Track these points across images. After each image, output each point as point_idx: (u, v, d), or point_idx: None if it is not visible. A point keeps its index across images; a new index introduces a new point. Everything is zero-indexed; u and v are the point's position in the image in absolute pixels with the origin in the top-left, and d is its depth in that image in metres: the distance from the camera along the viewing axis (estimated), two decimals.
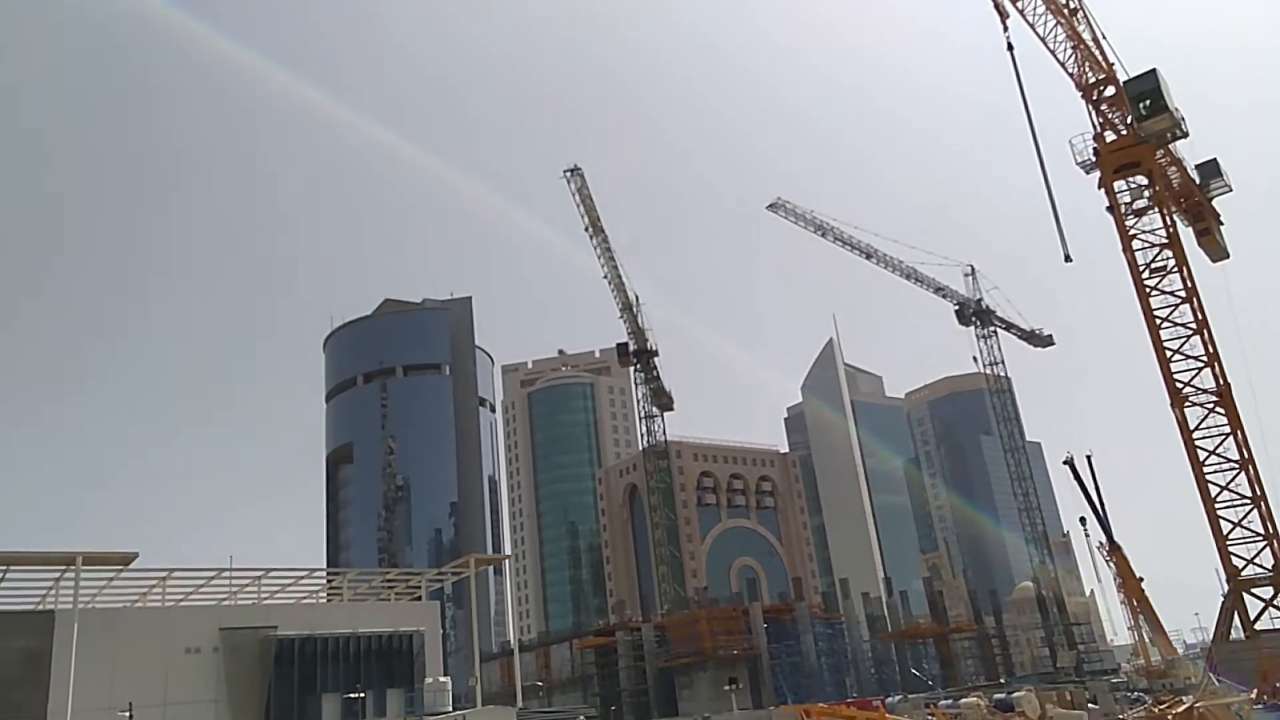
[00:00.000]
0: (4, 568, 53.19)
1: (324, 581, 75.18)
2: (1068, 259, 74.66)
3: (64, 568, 54.08)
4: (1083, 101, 75.49)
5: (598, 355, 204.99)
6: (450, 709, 51.03)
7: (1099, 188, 74.47)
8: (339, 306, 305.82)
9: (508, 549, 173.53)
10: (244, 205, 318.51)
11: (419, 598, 74.16)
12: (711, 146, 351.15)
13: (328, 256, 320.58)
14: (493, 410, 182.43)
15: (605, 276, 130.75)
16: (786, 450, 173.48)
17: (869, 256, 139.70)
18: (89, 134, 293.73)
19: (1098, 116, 74.85)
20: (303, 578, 67.49)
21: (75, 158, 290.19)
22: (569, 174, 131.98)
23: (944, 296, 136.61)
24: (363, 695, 58.61)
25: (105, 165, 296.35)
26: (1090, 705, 62.30)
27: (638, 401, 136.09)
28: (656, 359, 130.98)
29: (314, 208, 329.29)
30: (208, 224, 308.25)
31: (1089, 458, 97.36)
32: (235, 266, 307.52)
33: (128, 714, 48.46)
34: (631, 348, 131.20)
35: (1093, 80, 74.68)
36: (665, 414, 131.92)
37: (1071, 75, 75.30)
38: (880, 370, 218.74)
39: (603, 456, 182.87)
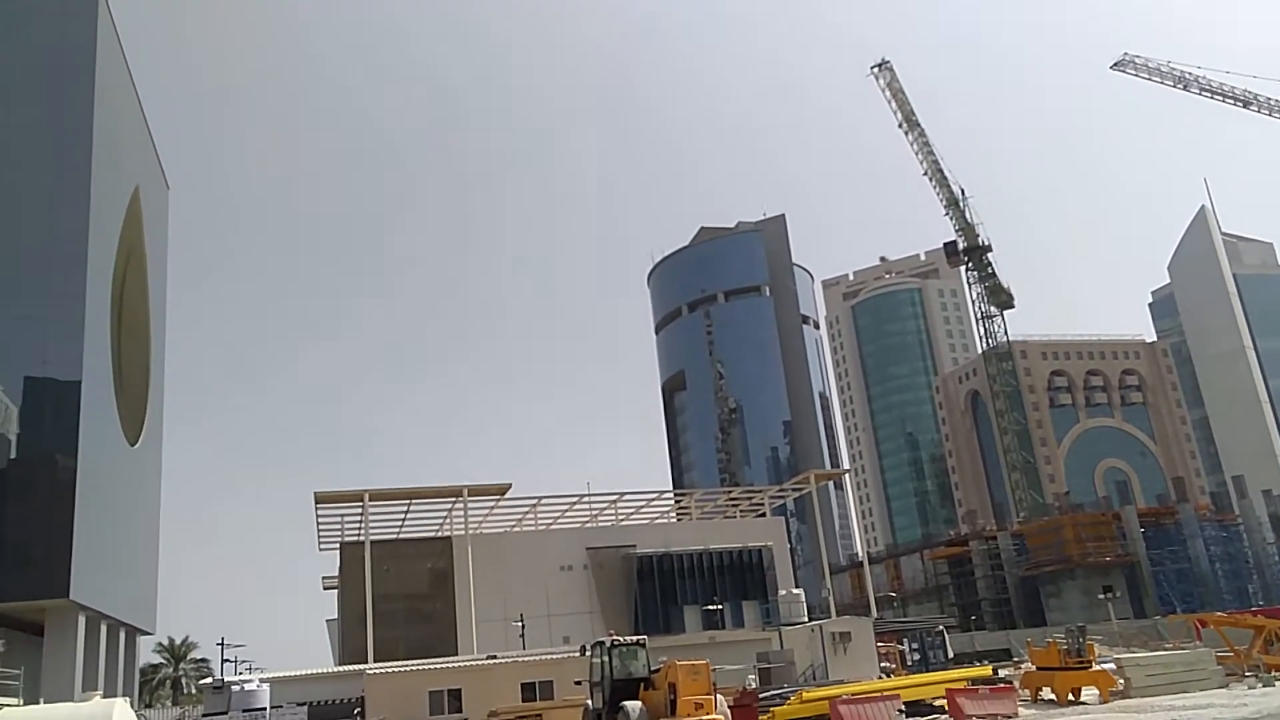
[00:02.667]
0: (408, 501, 61.41)
1: (673, 502, 79.08)
2: None
3: (454, 499, 61.37)
4: None
5: (923, 258, 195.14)
6: (805, 619, 51.70)
7: None
8: (658, 241, 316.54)
9: (845, 464, 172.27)
10: (567, 170, 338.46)
11: (763, 514, 75.82)
12: (1034, 7, 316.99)
13: (642, 195, 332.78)
14: (817, 327, 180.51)
15: (925, 173, 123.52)
16: (1154, 339, 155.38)
17: (1247, 105, 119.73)
18: (431, 120, 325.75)
19: None
20: (653, 499, 71.50)
21: (419, 141, 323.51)
22: (876, 69, 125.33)
23: None
24: (721, 607, 61.22)
25: (445, 144, 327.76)
26: None
27: (972, 302, 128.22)
28: (990, 254, 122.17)
29: (623, 154, 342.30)
30: (539, 195, 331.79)
31: None
32: (564, 224, 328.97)
33: (520, 623, 54.20)
34: (961, 246, 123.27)
35: None
36: (1005, 313, 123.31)
37: None
38: (1271, 236, 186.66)
39: (938, 364, 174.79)
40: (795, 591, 59.70)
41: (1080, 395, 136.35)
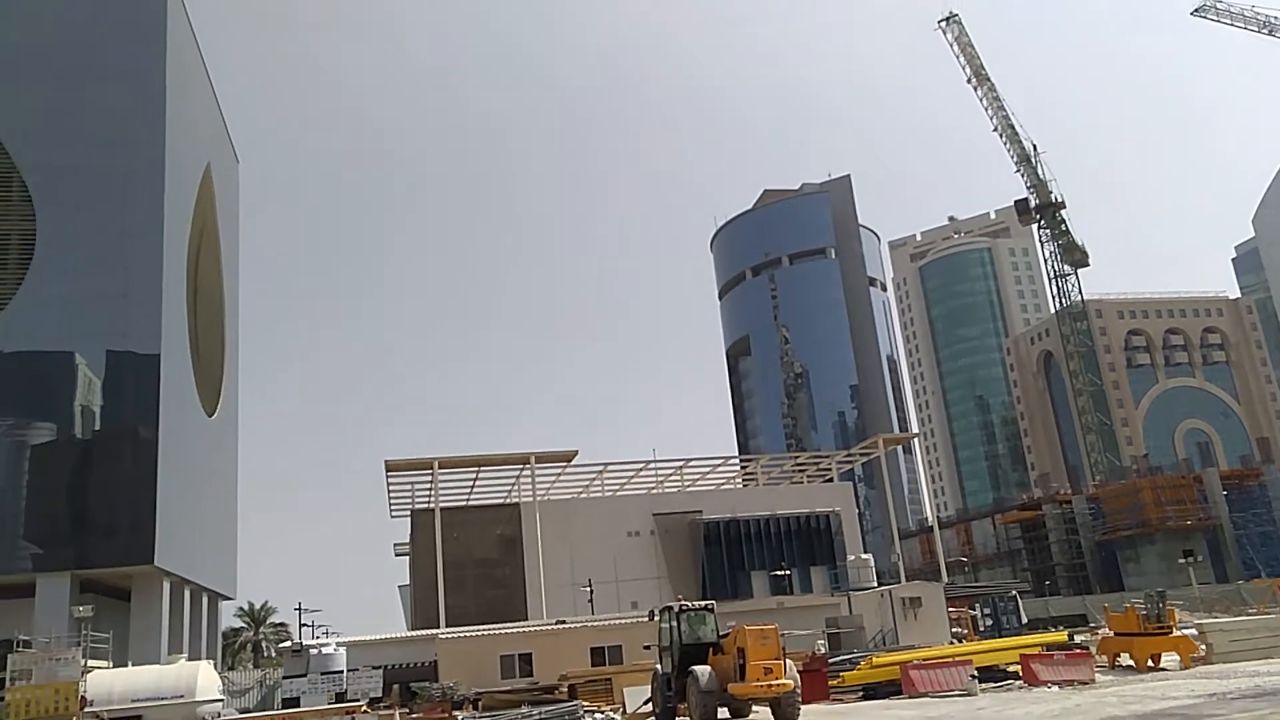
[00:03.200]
0: (476, 469, 62.11)
1: (739, 467, 78.75)
2: None
3: (521, 466, 61.89)
4: None
5: (993, 217, 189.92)
6: (874, 584, 51.13)
7: None
8: (721, 205, 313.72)
9: (914, 427, 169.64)
10: (630, 134, 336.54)
11: (830, 479, 75.05)
12: None
13: (705, 159, 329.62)
14: (884, 289, 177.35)
15: (995, 129, 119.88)
16: (1237, 295, 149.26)
17: None
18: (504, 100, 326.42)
19: None
20: (719, 465, 71.26)
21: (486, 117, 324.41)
22: (944, 23, 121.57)
23: None
24: (788, 572, 60.90)
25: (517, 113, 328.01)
26: None
27: (1045, 261, 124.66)
28: (1063, 211, 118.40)
29: (685, 118, 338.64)
30: (602, 161, 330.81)
31: None
32: (627, 189, 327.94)
33: (588, 589, 54.61)
34: (1032, 203, 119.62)
35: None
36: (1079, 271, 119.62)
37: None
38: None
39: (1009, 325, 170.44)
40: (864, 556, 59.10)
41: (1159, 354, 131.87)
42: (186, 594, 66.37)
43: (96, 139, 63.70)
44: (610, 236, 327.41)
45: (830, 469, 76.03)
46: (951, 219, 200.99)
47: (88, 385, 61.17)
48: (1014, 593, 52.84)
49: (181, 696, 37.41)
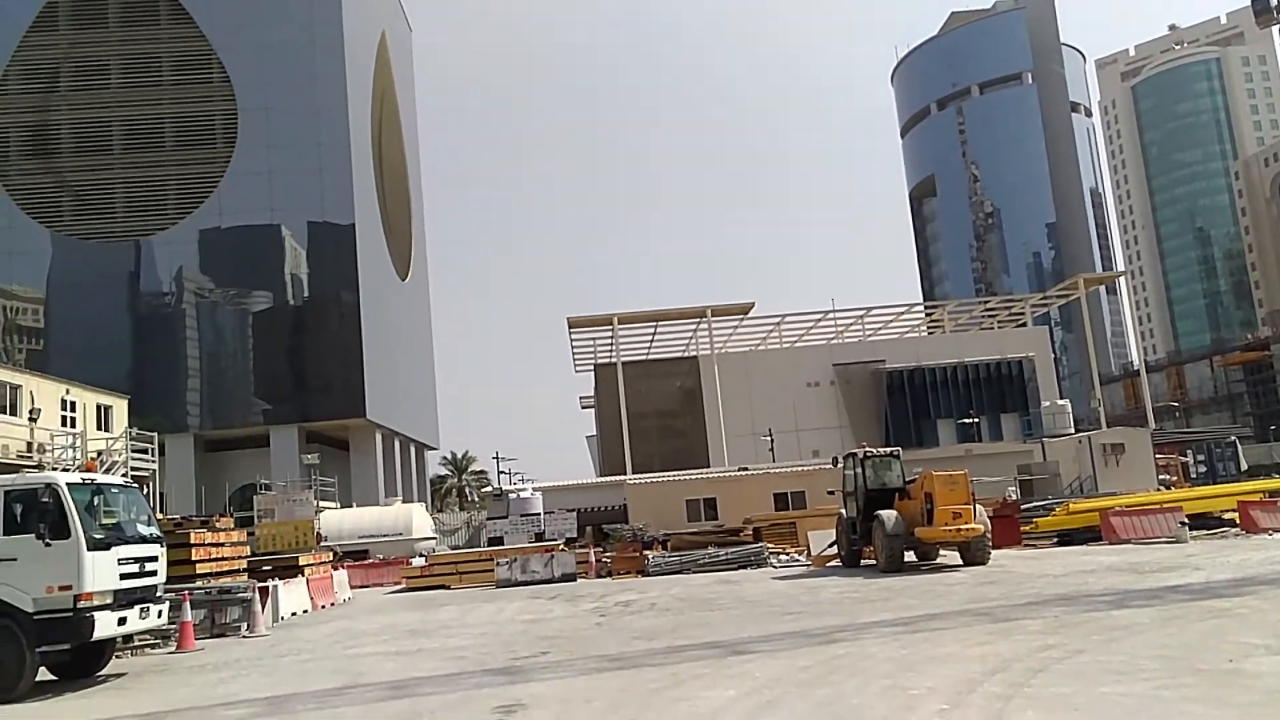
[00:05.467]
0: (655, 323, 62.99)
1: (923, 315, 76.06)
2: None
3: (699, 320, 62.24)
4: None
5: (1223, 21, 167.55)
6: (1072, 431, 48.88)
7: None
8: (903, 34, 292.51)
9: (1119, 266, 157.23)
10: None
11: (1023, 324, 71.37)
12: None
13: None
14: (1088, 115, 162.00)
15: None
16: None
17: None
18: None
19: None
20: (902, 313, 69.00)
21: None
22: None
23: None
24: (976, 420, 59.16)
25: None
26: None
27: None
28: None
29: None
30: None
31: None
32: (798, 24, 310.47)
33: (768, 438, 55.17)
34: (1274, 0, 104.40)
35: None
36: None
37: None
38: None
39: (1239, 146, 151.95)
40: (1060, 403, 56.41)
41: None
42: (396, 444, 72.14)
43: (277, 18, 66.07)
44: (781, 77, 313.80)
45: (1024, 313, 72.13)
46: (1173, 28, 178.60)
47: (295, 255, 65.75)
48: (1233, 438, 49.29)
49: (401, 534, 41.22)
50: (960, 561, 21.79)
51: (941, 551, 23.24)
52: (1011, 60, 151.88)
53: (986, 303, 78.20)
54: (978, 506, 21.66)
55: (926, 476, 21.88)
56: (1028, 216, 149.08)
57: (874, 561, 22.52)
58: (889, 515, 21.62)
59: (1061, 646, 10.25)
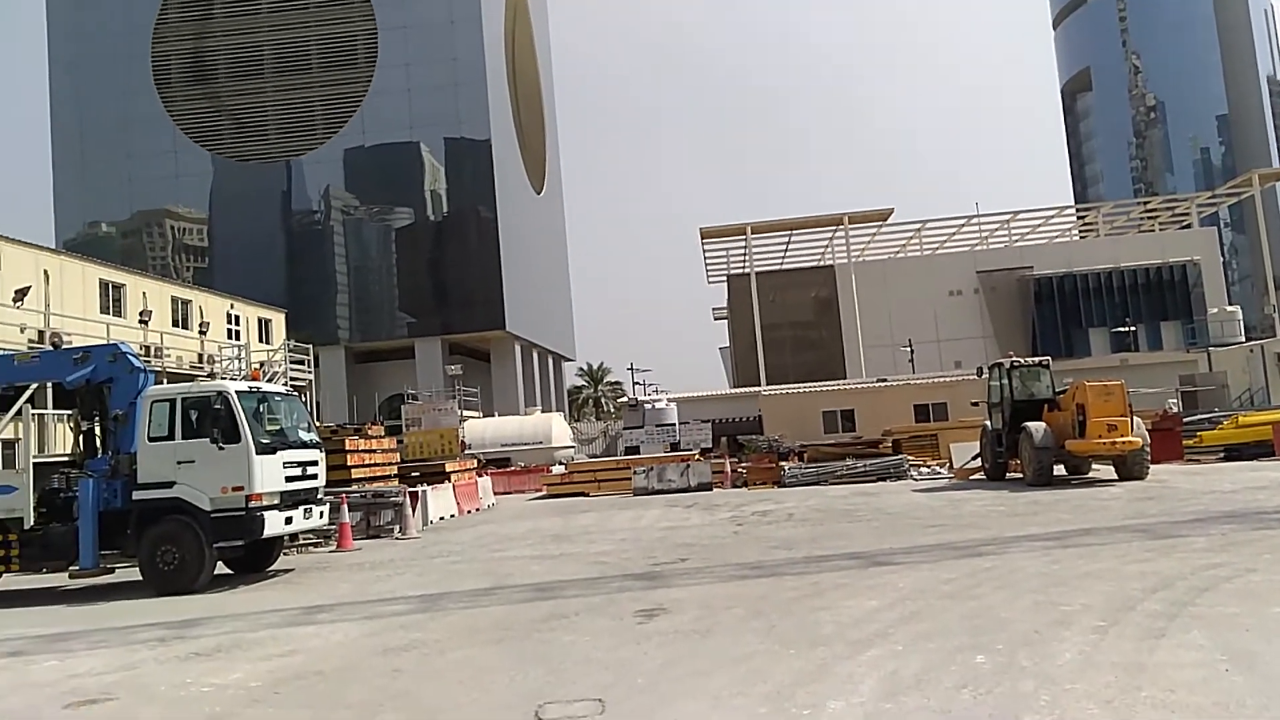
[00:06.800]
0: (789, 232, 61.74)
1: (1075, 218, 71.68)
2: None
3: (834, 228, 60.63)
4: None
5: None
6: (1242, 339, 45.55)
7: None
8: None
9: None
10: None
11: (1188, 225, 66.33)
12: None
13: None
14: None
15: None
16: None
17: None
18: None
19: None
20: (1052, 217, 65.19)
21: None
22: None
23: None
24: (1133, 328, 55.89)
25: None
26: None
27: None
28: None
29: None
30: None
31: None
32: None
33: (908, 348, 53.74)
34: None
35: None
36: None
37: None
38: None
39: None
40: (1229, 309, 52.63)
41: None
42: (535, 355, 73.98)
43: None
44: None
45: (1189, 214, 66.93)
46: None
47: (434, 172, 67.22)
48: None
49: (541, 442, 42.54)
50: (1115, 476, 20.80)
51: (1094, 466, 22.25)
52: None
53: (1147, 203, 73.01)
54: (1135, 418, 20.52)
55: (1079, 387, 20.85)
56: (1195, 109, 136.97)
57: (1020, 475, 21.78)
58: (1037, 427, 20.76)
59: (1229, 565, 9.65)
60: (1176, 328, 57.64)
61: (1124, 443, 19.83)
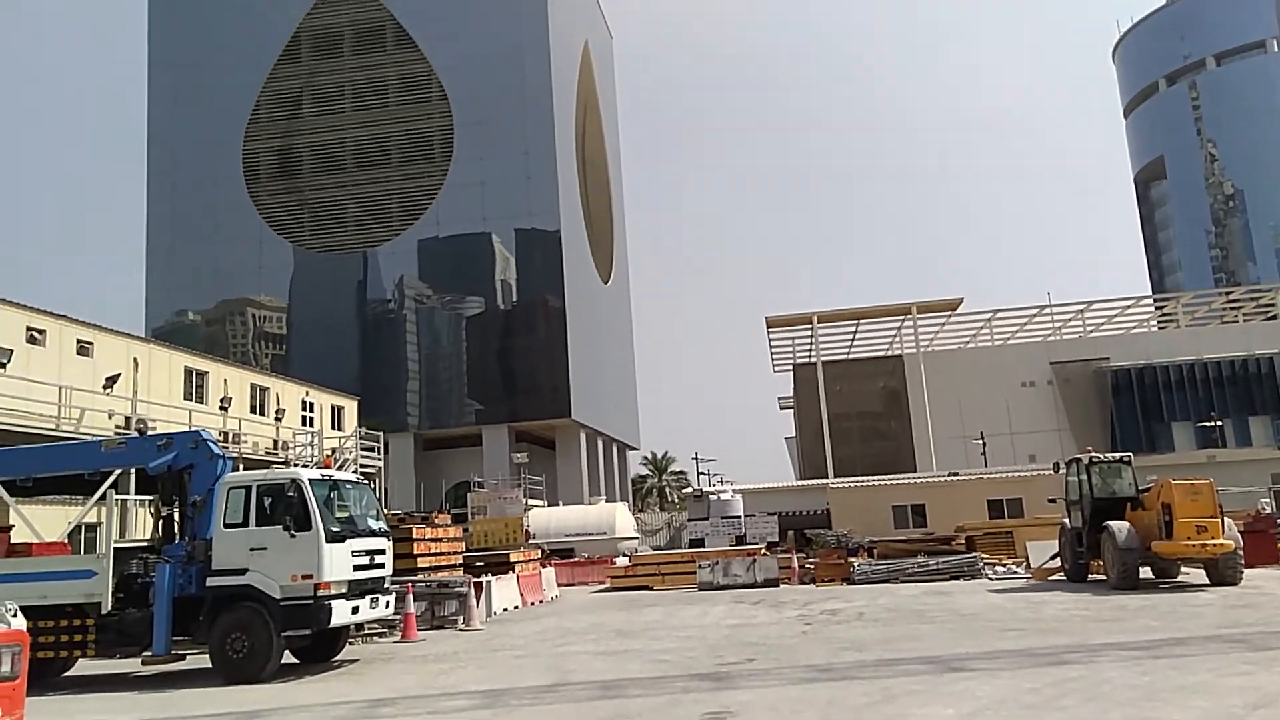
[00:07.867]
0: (856, 321, 61.41)
1: (1152, 309, 70.05)
2: None
3: (903, 317, 60.15)
4: None
5: None
6: None
7: None
8: (1124, 7, 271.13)
9: None
10: None
11: (1273, 316, 64.30)
12: None
13: None
14: None
15: None
16: None
17: None
18: None
19: None
20: (1129, 307, 63.82)
21: None
22: None
23: None
24: (1219, 423, 53.82)
25: None
26: None
27: None
28: None
29: None
30: None
31: None
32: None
33: (981, 441, 52.48)
34: None
35: None
36: None
37: None
38: None
39: None
40: None
41: None
42: (600, 443, 74.08)
43: (492, 33, 69.51)
44: (986, 54, 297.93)
45: (1275, 303, 64.96)
46: None
47: (504, 262, 68.94)
48: None
49: (605, 533, 42.26)
50: (1206, 581, 19.77)
51: (1183, 570, 21.21)
52: (1253, 25, 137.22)
53: (1229, 293, 71.08)
54: (1225, 519, 19.59)
55: (1164, 485, 20.01)
56: (1276, 197, 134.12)
57: (1103, 577, 20.84)
58: (1121, 527, 19.92)
59: None
60: (1266, 423, 55.37)
61: (1215, 545, 18.89)
